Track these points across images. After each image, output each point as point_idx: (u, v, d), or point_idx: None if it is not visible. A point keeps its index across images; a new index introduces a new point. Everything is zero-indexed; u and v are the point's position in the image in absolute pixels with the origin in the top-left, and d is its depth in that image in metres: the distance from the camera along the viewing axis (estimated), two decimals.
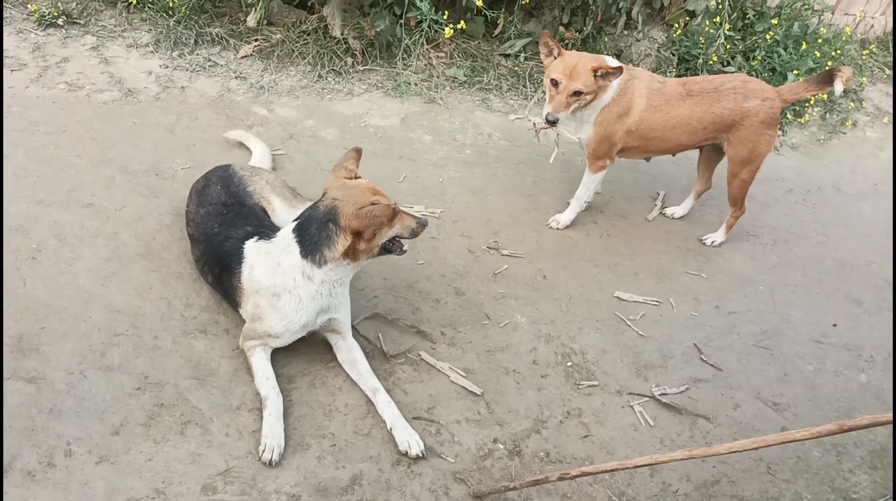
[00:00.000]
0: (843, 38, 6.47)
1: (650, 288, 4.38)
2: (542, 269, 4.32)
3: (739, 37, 6.18)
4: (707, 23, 5.96)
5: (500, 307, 4.02)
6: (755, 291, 4.56)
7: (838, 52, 6.36)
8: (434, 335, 3.76)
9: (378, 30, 5.46)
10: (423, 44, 5.61)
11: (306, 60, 5.34)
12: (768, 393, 3.94)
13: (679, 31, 6.10)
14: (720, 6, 5.96)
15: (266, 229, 3.39)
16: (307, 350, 3.51)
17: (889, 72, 7.45)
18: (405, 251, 3.34)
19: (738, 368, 4.03)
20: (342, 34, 5.44)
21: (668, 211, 4.94)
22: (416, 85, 5.45)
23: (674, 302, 4.32)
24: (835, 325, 4.40)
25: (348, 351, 3.45)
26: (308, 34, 5.45)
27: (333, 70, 5.37)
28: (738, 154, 4.32)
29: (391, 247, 3.28)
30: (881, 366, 4.24)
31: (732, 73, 5.93)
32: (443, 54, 5.79)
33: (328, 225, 3.08)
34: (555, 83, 4.03)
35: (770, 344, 4.22)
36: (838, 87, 4.12)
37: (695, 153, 4.69)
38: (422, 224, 3.31)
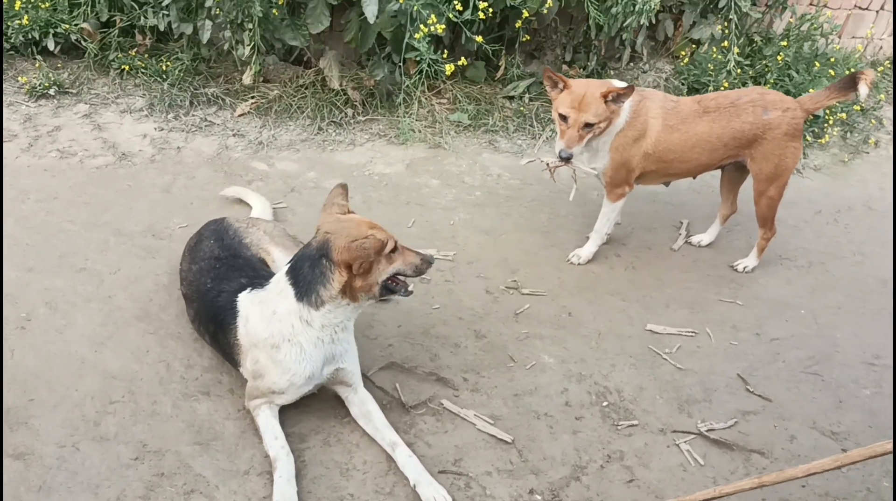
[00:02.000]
0: (856, 57, 6.29)
1: (683, 319, 4.09)
2: (566, 306, 4.05)
3: (748, 62, 6.01)
4: (714, 49, 5.81)
5: (525, 348, 3.73)
6: (796, 315, 4.26)
7: (851, 70, 6.17)
8: (456, 381, 3.47)
9: (377, 79, 5.33)
10: (424, 90, 5.47)
11: (305, 114, 5.20)
12: (824, 422, 3.60)
13: (686, 60, 5.94)
14: (726, 32, 5.81)
15: (263, 280, 3.15)
16: (319, 406, 3.23)
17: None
18: (411, 292, 3.06)
19: (788, 397, 3.71)
20: (341, 86, 5.31)
21: (695, 239, 4.68)
22: (419, 131, 5.28)
23: (710, 332, 4.02)
24: None
25: (361, 404, 3.16)
26: (306, 88, 5.32)
27: (333, 122, 5.22)
28: (764, 170, 4.08)
29: (394, 287, 2.99)
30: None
31: None
32: (445, 100, 5.64)
33: (321, 261, 2.80)
34: (564, 118, 3.83)
35: (819, 370, 3.90)
36: (863, 90, 3.90)
37: (715, 180, 4.46)
38: (426, 261, 3.03)
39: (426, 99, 5.53)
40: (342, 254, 2.76)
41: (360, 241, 2.77)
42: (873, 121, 6.41)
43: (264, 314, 2.94)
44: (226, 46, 5.13)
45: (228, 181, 4.53)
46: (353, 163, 4.91)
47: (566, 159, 3.85)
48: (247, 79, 5.20)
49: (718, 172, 4.50)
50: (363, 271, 2.82)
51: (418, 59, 4.88)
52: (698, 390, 3.65)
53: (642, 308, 4.11)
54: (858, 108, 6.37)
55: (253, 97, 5.25)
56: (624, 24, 5.48)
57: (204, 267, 3.35)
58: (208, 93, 5.19)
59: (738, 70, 5.73)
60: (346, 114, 5.28)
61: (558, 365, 3.66)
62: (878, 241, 5.06)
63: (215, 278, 3.26)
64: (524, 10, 5.01)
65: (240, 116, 5.12)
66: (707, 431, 3.43)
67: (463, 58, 4.84)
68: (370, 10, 4.76)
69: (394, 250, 2.88)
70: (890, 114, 6.84)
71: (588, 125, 3.79)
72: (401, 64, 5.14)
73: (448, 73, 4.66)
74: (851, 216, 5.30)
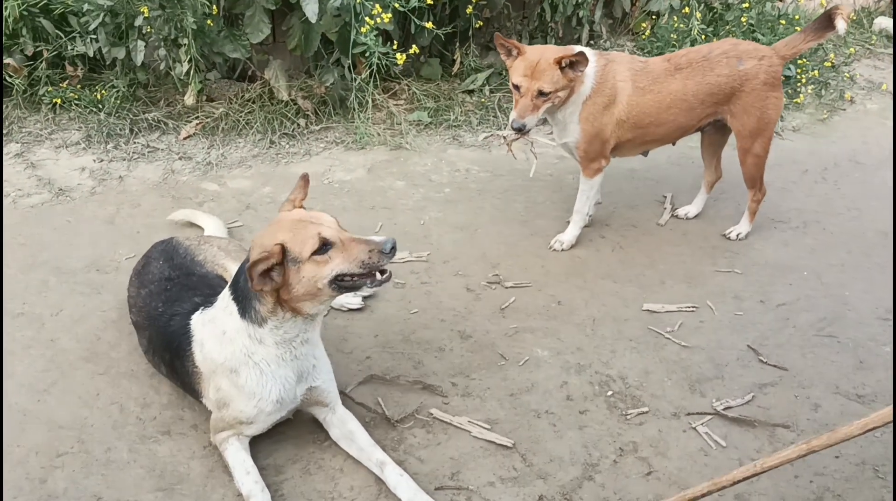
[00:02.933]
0: (821, 9, 6.07)
1: (682, 295, 3.79)
2: (554, 295, 3.73)
3: (711, 29, 5.77)
4: (675, 19, 5.57)
5: (516, 344, 3.41)
6: (799, 278, 3.97)
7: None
8: (444, 387, 3.14)
9: (327, 85, 5.03)
10: (379, 92, 5.17)
11: (254, 129, 4.88)
12: (848, 386, 3.30)
13: (647, 33, 5.70)
14: (684, 1, 5.58)
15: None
16: (294, 432, 2.89)
17: (869, 47, 7.08)
18: (380, 283, 2.53)
19: (804, 364, 3.41)
20: (290, 96, 5.00)
21: (681, 211, 4.39)
22: (378, 134, 4.98)
23: (712, 305, 3.72)
24: None
25: (341, 424, 2.82)
26: (253, 102, 5.00)
27: (286, 134, 4.91)
28: (746, 125, 3.81)
29: (352, 284, 2.48)
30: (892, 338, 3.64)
31: None
32: (402, 101, 5.35)
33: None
34: (517, 87, 3.56)
35: (833, 331, 3.61)
36: (841, 25, 3.65)
37: (693, 151, 4.19)
38: (378, 250, 2.44)
39: (382, 101, 5.23)
40: (250, 268, 2.35)
41: (254, 254, 2.38)
42: (847, 75, 6.19)
43: (215, 334, 2.61)
44: (162, 67, 4.81)
45: (177, 206, 4.19)
46: (310, 173, 4.57)
47: (518, 130, 3.58)
48: (189, 99, 4.88)
49: (698, 142, 4.23)
50: (282, 284, 2.40)
51: (367, 54, 4.58)
52: (708, 367, 3.35)
53: (636, 288, 3.81)
54: (829, 64, 6.16)
55: (197, 118, 4.92)
56: (580, 2, 5.23)
57: (154, 290, 3.00)
58: (149, 118, 4.86)
59: (703, 37, 5.49)
60: (298, 125, 4.97)
61: (554, 358, 3.34)
62: (872, 194, 4.81)
63: (167, 300, 2.92)
64: None
65: (185, 138, 4.79)
66: (724, 409, 3.12)
67: (414, 46, 4.55)
68: (311, 9, 4.46)
69: (318, 250, 2.38)
70: (861, 69, 6.63)
71: (542, 94, 3.51)
72: (350, 65, 4.84)
73: (400, 62, 4.36)
74: (839, 172, 5.05)
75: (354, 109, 5.06)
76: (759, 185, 4.06)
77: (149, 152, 4.67)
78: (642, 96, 3.67)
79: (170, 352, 2.82)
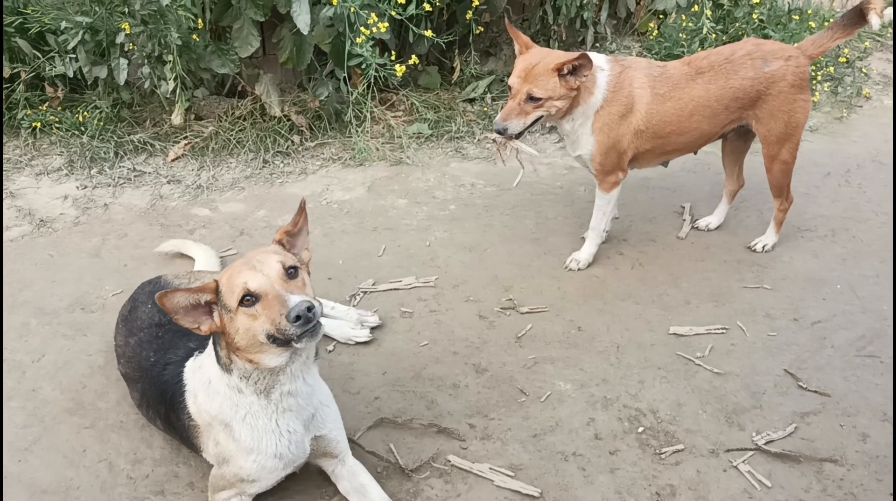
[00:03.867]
0: (833, 4, 5.83)
1: (709, 315, 3.54)
2: (573, 320, 3.48)
3: (720, 28, 5.53)
4: (683, 18, 5.32)
5: (536, 377, 3.16)
6: (833, 292, 3.72)
7: (832, 21, 5.72)
8: (461, 430, 2.88)
9: (322, 99, 4.77)
10: (376, 104, 4.92)
11: (246, 148, 4.62)
12: None
13: (655, 34, 5.45)
14: None
15: None
16: (300, 487, 2.64)
17: (880, 40, 6.84)
18: (311, 333, 2.09)
19: (847, 388, 3.16)
20: (283, 112, 4.74)
21: (702, 223, 4.14)
22: (377, 149, 4.72)
23: (743, 325, 3.47)
24: None
25: (352, 477, 2.57)
26: (244, 120, 4.74)
27: (280, 152, 4.65)
28: (773, 131, 3.56)
29: (285, 337, 2.10)
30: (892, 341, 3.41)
31: None
32: (400, 112, 5.09)
33: None
34: (510, 88, 3.34)
35: (874, 350, 3.36)
36: (875, 21, 3.41)
37: (710, 156, 3.94)
38: (285, 314, 2.04)
39: (380, 113, 4.98)
40: (165, 296, 2.10)
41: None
42: (863, 70, 5.94)
43: (203, 383, 2.37)
44: (147, 85, 4.55)
45: (166, 234, 3.93)
46: (306, 194, 4.33)
47: (499, 132, 3.33)
48: (176, 118, 4.62)
49: (714, 147, 3.98)
50: (221, 329, 2.18)
51: (363, 66, 4.32)
52: (744, 395, 3.10)
53: (660, 310, 3.56)
54: (844, 59, 5.91)
55: (186, 138, 4.66)
56: (583, 3, 4.98)
57: (144, 338, 2.74)
58: (134, 140, 4.60)
59: (714, 36, 5.24)
60: (292, 142, 4.71)
61: (578, 391, 3.09)
62: None
63: (159, 348, 2.66)
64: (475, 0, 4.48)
65: (173, 160, 4.54)
66: (766, 444, 2.87)
67: (414, 56, 4.29)
68: (302, 20, 4.21)
69: (243, 301, 2.09)
70: (874, 64, 6.39)
71: (533, 99, 3.27)
72: (345, 77, 4.58)
73: (399, 74, 4.10)
74: (863, 174, 4.80)
75: (351, 124, 4.81)
76: (787, 193, 3.81)
77: (135, 177, 4.41)
78: (662, 104, 3.42)
79: (164, 405, 2.57)
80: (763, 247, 3.96)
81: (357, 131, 4.76)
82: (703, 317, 3.52)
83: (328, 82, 4.75)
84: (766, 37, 5.65)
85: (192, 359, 2.51)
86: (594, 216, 3.73)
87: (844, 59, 5.89)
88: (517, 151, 3.48)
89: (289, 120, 4.76)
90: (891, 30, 6.66)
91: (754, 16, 5.40)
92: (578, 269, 3.79)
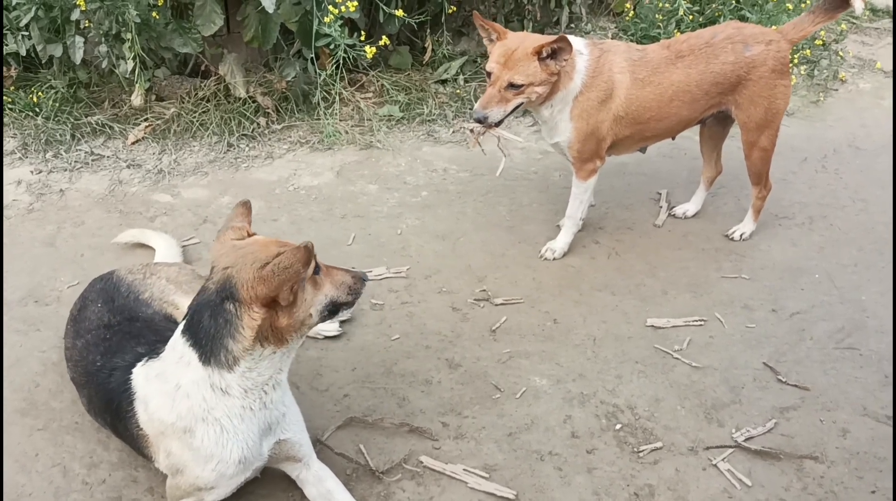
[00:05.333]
0: None
1: (687, 306, 3.46)
2: (549, 312, 3.38)
3: (697, 9, 5.43)
4: None
5: (511, 372, 3.06)
6: (811, 281, 3.66)
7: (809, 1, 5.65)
8: (434, 429, 2.78)
9: (289, 79, 4.60)
10: (345, 85, 4.76)
11: (210, 131, 4.44)
12: (875, 405, 3.01)
13: (631, 14, 5.34)
14: None
15: (165, 344, 2.38)
16: (265, 491, 2.52)
17: (855, 21, 6.79)
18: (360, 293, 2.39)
19: (826, 381, 3.11)
20: (248, 93, 4.56)
21: (679, 210, 4.06)
22: (346, 132, 4.57)
23: (721, 317, 3.40)
24: None
25: (318, 482, 2.46)
26: (207, 101, 4.56)
27: (245, 135, 4.48)
28: (753, 117, 3.48)
29: (335, 309, 2.31)
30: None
31: None
32: (370, 94, 4.94)
33: (224, 306, 2.08)
34: (489, 75, 3.21)
35: (854, 342, 3.31)
36: (858, 4, 3.32)
37: (687, 141, 3.84)
38: (359, 278, 2.38)
39: (349, 95, 4.82)
40: (256, 288, 2.04)
41: (274, 262, 2.04)
42: (840, 54, 5.88)
43: (166, 390, 2.21)
44: (105, 65, 4.34)
45: (125, 222, 3.77)
46: (273, 179, 4.17)
47: (479, 121, 3.22)
48: (136, 100, 4.43)
49: (690, 132, 3.89)
50: (289, 304, 2.11)
51: (332, 47, 4.16)
52: (724, 390, 3.03)
53: (637, 300, 3.48)
54: (820, 42, 5.85)
55: (146, 120, 4.48)
56: None
57: (91, 340, 2.58)
58: (92, 122, 4.41)
59: (690, 17, 5.14)
60: (258, 124, 4.54)
61: (554, 387, 2.99)
62: (875, 183, 4.52)
63: (105, 352, 2.51)
64: None
65: (133, 143, 4.35)
66: (745, 441, 2.81)
67: (385, 37, 4.13)
68: None
69: (316, 270, 2.20)
70: (850, 47, 6.33)
71: (514, 86, 3.15)
72: (313, 57, 4.41)
73: (369, 56, 3.94)
74: (840, 160, 4.75)
75: (319, 106, 4.65)
76: (765, 181, 3.74)
77: (93, 161, 4.22)
78: (642, 89, 3.32)
79: (110, 414, 2.42)
80: (741, 235, 3.89)
81: (325, 114, 4.61)
82: (680, 308, 3.45)
83: (295, 62, 4.58)
84: (742, 18, 5.56)
85: (141, 365, 2.34)
86: (570, 205, 3.63)
87: (821, 42, 5.82)
88: (498, 139, 3.37)
89: (254, 101, 4.59)
90: (867, 13, 6.63)
91: None
92: (554, 258, 3.69)
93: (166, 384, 2.21)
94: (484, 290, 3.48)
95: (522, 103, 3.23)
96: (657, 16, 5.19)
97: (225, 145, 4.38)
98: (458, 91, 4.99)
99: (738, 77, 3.39)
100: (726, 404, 2.97)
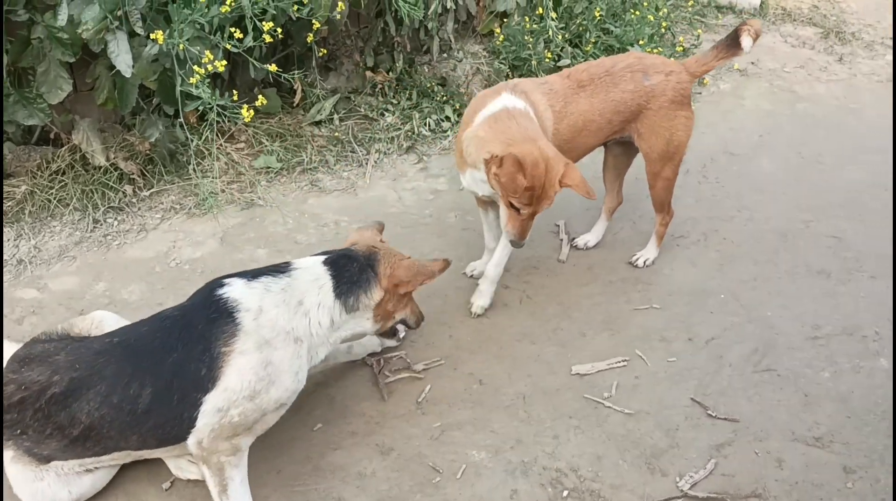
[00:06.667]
0: None
1: (606, 346, 3.42)
2: (473, 372, 3.25)
3: (562, 26, 5.43)
4: (527, 19, 5.17)
5: (446, 449, 2.91)
6: (718, 302, 3.71)
7: (665, 10, 5.77)
8: None
9: (152, 140, 4.23)
10: (214, 139, 4.43)
11: (71, 207, 4.02)
12: (802, 428, 3.07)
13: (501, 37, 5.27)
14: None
15: None
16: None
17: (702, 20, 7.05)
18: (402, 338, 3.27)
19: (752, 409, 3.15)
20: (108, 160, 4.16)
21: (580, 241, 4.02)
22: (223, 191, 4.26)
23: (642, 354, 3.38)
24: None
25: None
26: (63, 173, 4.12)
27: (112, 207, 4.08)
28: (654, 148, 3.47)
29: (396, 326, 2.94)
30: (892, 341, 3.51)
31: (568, 66, 5.11)
32: (242, 144, 4.63)
33: (367, 270, 2.64)
34: (516, 209, 3.07)
35: (770, 364, 3.38)
36: (746, 42, 3.40)
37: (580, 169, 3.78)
38: (422, 319, 3.05)
39: (218, 148, 4.49)
40: (396, 270, 2.67)
41: (420, 263, 2.75)
42: None
43: (286, 301, 2.47)
44: None
45: None
46: (150, 255, 3.82)
47: (519, 247, 3.27)
48: None
49: (592, 160, 3.86)
50: (400, 297, 2.75)
51: (203, 109, 3.85)
52: (659, 435, 3.00)
53: (558, 347, 3.40)
54: (681, 49, 6.00)
55: None
56: (427, 13, 4.71)
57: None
58: None
59: (560, 37, 5.13)
60: (124, 193, 4.15)
61: (493, 460, 2.87)
62: (754, 188, 4.67)
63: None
64: (314, 21, 4.07)
65: None
66: (691, 488, 2.79)
67: (261, 97, 3.83)
68: (122, 61, 3.68)
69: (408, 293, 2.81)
70: (703, 46, 6.54)
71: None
72: (180, 119, 4.07)
73: (247, 119, 3.64)
74: (718, 168, 4.88)
75: (189, 164, 4.31)
76: (668, 208, 3.76)
77: None
78: (561, 122, 3.25)
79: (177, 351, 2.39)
80: (644, 262, 3.90)
81: (197, 172, 4.27)
82: (600, 349, 3.40)
83: (157, 121, 4.22)
84: (606, 31, 5.62)
85: (245, 282, 2.49)
86: (497, 255, 3.43)
87: (681, 49, 5.97)
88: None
89: (117, 169, 4.19)
90: (706, 9, 6.86)
91: (596, 13, 5.33)
92: (477, 313, 3.53)
93: (290, 296, 2.48)
94: (401, 357, 3.30)
95: None
96: (526, 37, 5.15)
97: (90, 222, 3.97)
98: (336, 134, 4.76)
99: (638, 105, 3.37)
100: (664, 450, 2.94)
